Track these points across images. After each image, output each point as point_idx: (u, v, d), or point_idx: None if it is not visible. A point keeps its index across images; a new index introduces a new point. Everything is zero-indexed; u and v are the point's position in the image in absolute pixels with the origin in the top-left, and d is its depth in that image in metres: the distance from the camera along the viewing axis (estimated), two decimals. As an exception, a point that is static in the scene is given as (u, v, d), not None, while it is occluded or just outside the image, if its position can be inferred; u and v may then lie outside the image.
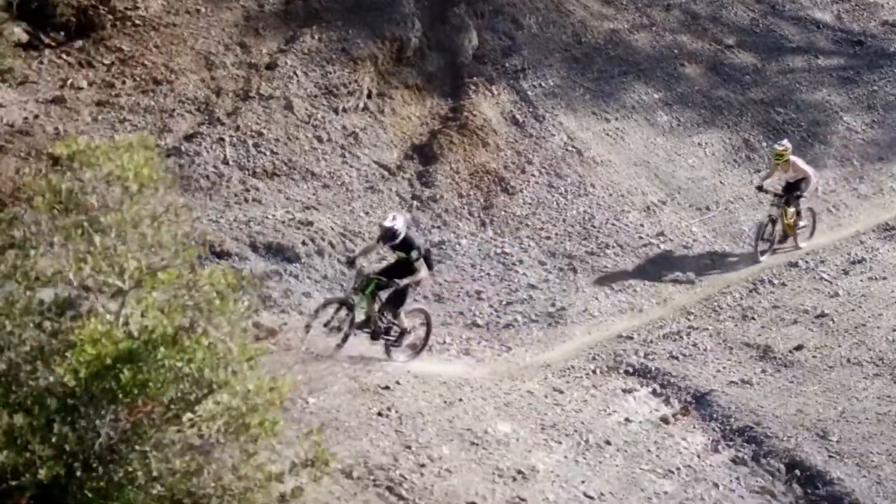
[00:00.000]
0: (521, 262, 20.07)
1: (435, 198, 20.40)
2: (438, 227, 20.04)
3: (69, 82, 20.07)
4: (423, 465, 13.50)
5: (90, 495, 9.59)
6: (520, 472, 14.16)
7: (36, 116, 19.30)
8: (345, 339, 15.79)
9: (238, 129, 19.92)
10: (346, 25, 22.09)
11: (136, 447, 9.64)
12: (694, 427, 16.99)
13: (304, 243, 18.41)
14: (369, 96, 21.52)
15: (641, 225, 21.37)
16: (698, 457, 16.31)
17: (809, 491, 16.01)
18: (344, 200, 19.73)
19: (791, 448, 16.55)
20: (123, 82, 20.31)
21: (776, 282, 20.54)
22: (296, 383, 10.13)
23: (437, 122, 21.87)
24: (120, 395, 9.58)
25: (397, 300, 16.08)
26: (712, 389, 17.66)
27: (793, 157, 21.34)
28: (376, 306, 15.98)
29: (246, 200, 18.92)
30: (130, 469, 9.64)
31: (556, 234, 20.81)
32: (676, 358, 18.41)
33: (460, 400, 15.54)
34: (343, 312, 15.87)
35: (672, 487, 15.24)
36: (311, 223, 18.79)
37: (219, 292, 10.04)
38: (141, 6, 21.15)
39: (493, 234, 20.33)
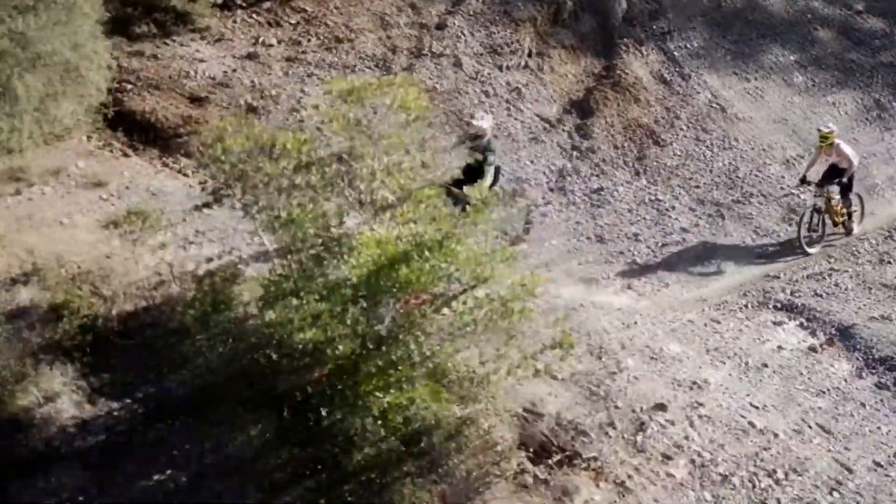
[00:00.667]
0: (672, 208, 22.08)
1: (592, 149, 22.50)
2: (597, 176, 22.14)
3: (260, 40, 22.40)
4: (613, 373, 15.62)
5: (374, 370, 11.90)
6: (695, 383, 16.22)
7: (234, 70, 21.59)
8: None
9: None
10: (508, -12, 24.25)
11: (411, 332, 11.92)
12: (839, 356, 18.83)
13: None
14: (530, 55, 23.65)
15: (782, 177, 23.27)
16: (845, 381, 18.15)
17: (956, 413, 17.62)
18: (511, 150, 21.87)
19: (934, 375, 18.22)
20: (308, 40, 22.61)
21: (912, 231, 22.26)
22: (545, 278, 12.22)
23: (591, 79, 23.96)
24: (396, 289, 11.85)
25: None
26: (854, 324, 19.49)
27: (838, 141, 21.32)
28: None
29: (423, 148, 21.09)
30: (406, 350, 11.93)
31: (704, 183, 22.80)
32: (820, 296, 20.25)
33: (635, 323, 17.64)
34: None
35: (825, 404, 17.14)
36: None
37: (474, 206, 12.29)
38: (322, -30, 23.42)
39: (647, 182, 22.37)
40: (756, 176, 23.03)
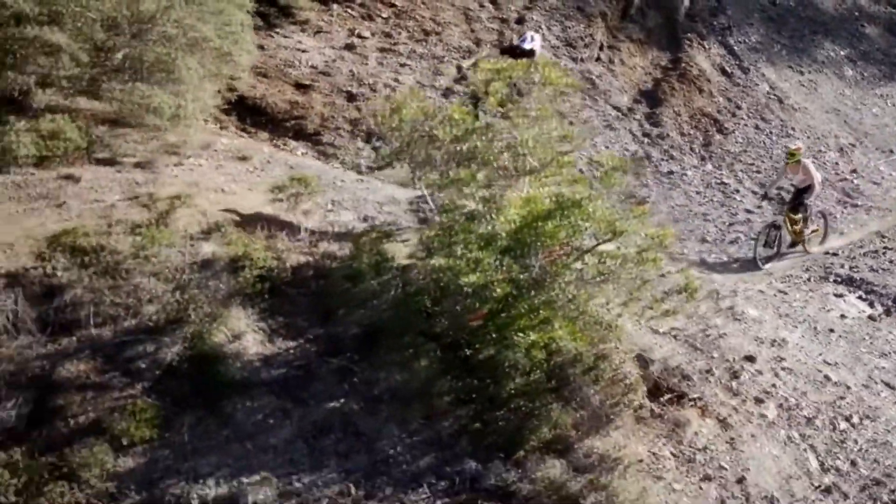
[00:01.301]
0: (737, 191, 24.35)
1: (662, 136, 24.76)
2: (667, 160, 24.39)
3: (356, 32, 24.67)
4: (704, 329, 17.82)
5: (523, 311, 14.13)
6: (774, 341, 18.39)
7: (333, 60, 23.83)
8: None
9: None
10: (579, -15, 26.55)
11: (555, 279, 14.15)
12: (896, 325, 21.06)
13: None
14: (601, 48, 25.94)
15: (837, 163, 25.57)
16: (903, 346, 20.38)
17: None
18: (588, 136, 24.15)
19: (980, 344, 20.39)
20: (399, 33, 24.88)
21: (960, 210, 24.51)
22: (670, 233, 14.43)
23: (658, 71, 26.26)
24: (541, 242, 14.08)
25: None
26: (910, 296, 21.74)
27: (805, 160, 22.16)
28: None
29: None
30: (550, 294, 14.16)
31: (765, 168, 25.08)
32: (876, 271, 22.45)
33: (716, 291, 19.85)
34: None
35: (888, 364, 19.27)
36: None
37: (604, 171, 14.54)
38: (408, -31, 25.72)
39: (713, 167, 24.63)
40: (813, 162, 25.16)
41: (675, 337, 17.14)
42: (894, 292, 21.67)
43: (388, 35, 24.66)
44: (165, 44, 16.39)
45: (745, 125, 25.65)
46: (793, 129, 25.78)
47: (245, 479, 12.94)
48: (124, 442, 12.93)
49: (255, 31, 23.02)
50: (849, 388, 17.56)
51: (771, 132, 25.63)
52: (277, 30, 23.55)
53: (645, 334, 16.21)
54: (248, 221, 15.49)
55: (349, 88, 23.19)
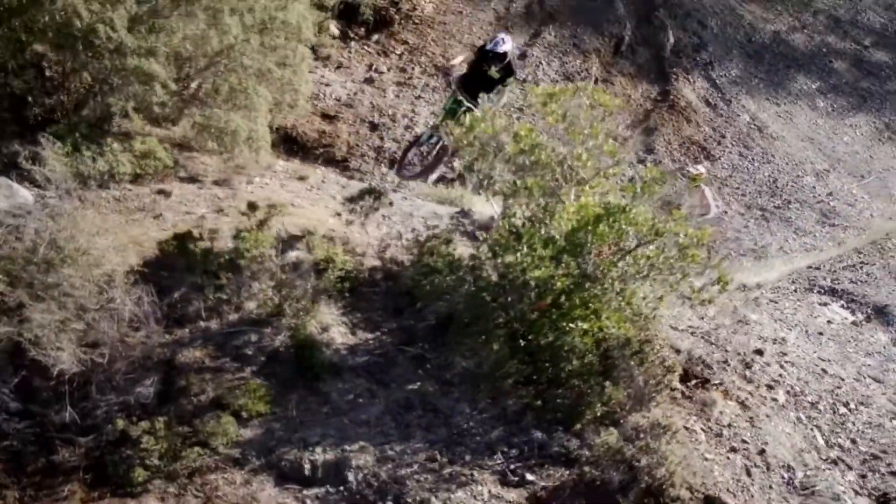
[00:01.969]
0: (725, 212, 27.13)
1: (656, 162, 27.50)
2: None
3: (374, 67, 27.25)
4: (716, 328, 20.32)
5: (577, 303, 16.69)
6: (776, 339, 21.04)
7: (355, 93, 26.42)
8: None
9: (503, 105, 27.01)
10: (575, 24, 29.37)
11: (606, 274, 16.71)
12: (877, 329, 23.80)
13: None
14: (596, 81, 28.67)
15: (814, 187, 28.42)
16: (885, 347, 23.08)
17: (971, 375, 22.51)
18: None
19: (955, 346, 23.16)
20: (413, 68, 27.51)
21: (927, 230, 27.42)
22: (707, 233, 17.04)
23: (649, 102, 29.04)
24: (593, 242, 16.66)
25: None
26: (887, 304, 24.52)
27: (704, 187, 23.54)
28: None
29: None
30: (602, 288, 16.71)
31: (750, 192, 27.89)
32: (856, 283, 25.23)
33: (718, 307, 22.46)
34: None
35: (873, 362, 21.90)
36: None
37: (646, 182, 17.16)
38: (418, 9, 28.35)
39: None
40: (793, 186, 28.11)
41: (692, 333, 19.72)
42: (873, 301, 24.44)
43: (402, 70, 27.21)
44: (239, 73, 18.78)
45: (731, 152, 28.42)
46: (773, 155, 28.59)
47: (347, 447, 15.29)
48: (244, 415, 15.27)
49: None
50: (843, 379, 20.13)
51: (754, 158, 28.43)
52: (303, 65, 25.96)
53: (668, 331, 18.76)
54: (328, 229, 17.93)
55: (371, 119, 25.72)
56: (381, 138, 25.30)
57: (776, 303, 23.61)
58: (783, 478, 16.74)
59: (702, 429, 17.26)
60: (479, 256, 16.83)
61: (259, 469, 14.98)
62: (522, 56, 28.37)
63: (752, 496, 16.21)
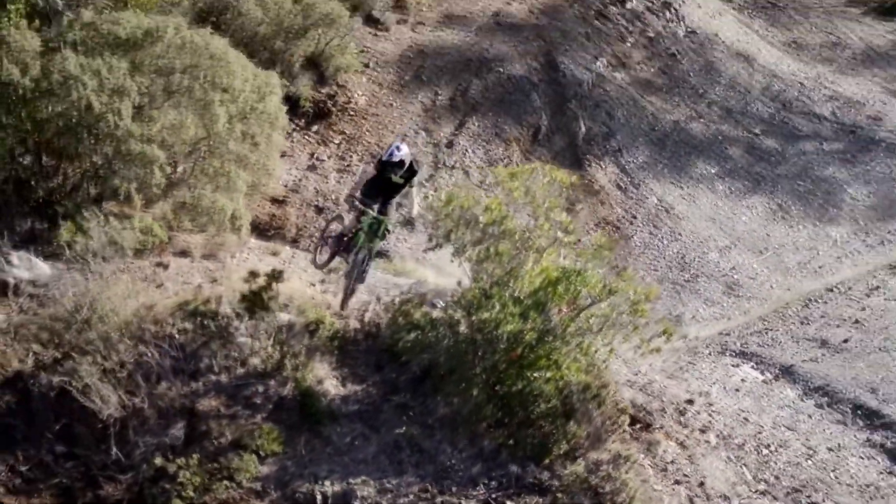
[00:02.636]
0: (640, 285, 30.27)
1: (573, 242, 30.55)
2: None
3: (315, 155, 30.08)
4: (651, 382, 23.42)
5: (541, 353, 19.52)
6: (701, 392, 24.03)
7: (300, 179, 29.21)
8: None
9: (435, 190, 30.03)
10: (496, 115, 32.54)
11: (566, 329, 19.64)
12: (786, 386, 26.95)
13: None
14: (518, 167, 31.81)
15: (718, 262, 31.70)
16: (793, 402, 26.26)
17: (870, 421, 25.71)
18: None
19: (853, 398, 25.98)
20: (351, 156, 30.39)
21: (821, 301, 30.77)
22: (655, 290, 20.10)
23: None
24: (553, 301, 19.61)
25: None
26: (792, 364, 27.63)
27: None
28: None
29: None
30: (563, 341, 19.63)
31: (661, 267, 31.11)
32: (763, 346, 28.37)
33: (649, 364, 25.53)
34: None
35: (785, 414, 24.84)
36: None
37: (595, 248, 20.21)
38: (353, 101, 31.33)
39: (618, 265, 30.53)
40: (700, 261, 31.36)
41: (630, 386, 22.75)
42: (779, 362, 27.54)
43: (342, 157, 30.05)
44: (223, 157, 21.52)
45: (642, 231, 31.65)
46: (680, 233, 31.86)
47: (351, 480, 17.97)
48: (261, 454, 17.88)
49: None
50: (763, 426, 23.19)
51: (663, 237, 31.68)
52: (250, 154, 28.69)
53: (613, 380, 21.75)
54: (311, 296, 20.65)
55: (316, 202, 28.53)
56: (326, 220, 27.98)
57: (693, 364, 26.61)
58: (721, 506, 19.72)
59: (649, 465, 20.21)
60: (453, 314, 19.59)
61: (278, 500, 17.56)
62: (449, 145, 31.38)
63: (697, 521, 19.18)
